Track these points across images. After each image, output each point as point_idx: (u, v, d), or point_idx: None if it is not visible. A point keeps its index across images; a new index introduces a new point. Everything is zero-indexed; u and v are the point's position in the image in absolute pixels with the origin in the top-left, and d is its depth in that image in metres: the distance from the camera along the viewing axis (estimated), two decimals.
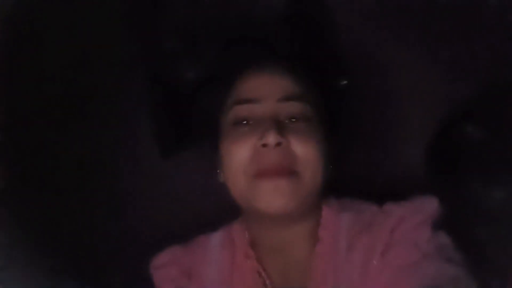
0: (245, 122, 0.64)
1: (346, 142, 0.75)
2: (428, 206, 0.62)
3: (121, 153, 0.91)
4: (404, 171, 0.86)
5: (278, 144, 0.61)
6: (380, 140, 0.88)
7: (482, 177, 0.83)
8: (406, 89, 0.89)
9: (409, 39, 0.90)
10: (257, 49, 0.72)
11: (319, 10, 0.88)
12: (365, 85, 0.87)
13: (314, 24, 0.85)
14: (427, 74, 0.89)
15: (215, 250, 0.72)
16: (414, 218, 0.61)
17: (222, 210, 0.75)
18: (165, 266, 0.72)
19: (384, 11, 0.89)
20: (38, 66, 0.80)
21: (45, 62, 0.81)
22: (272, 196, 0.61)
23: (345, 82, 0.91)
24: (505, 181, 0.81)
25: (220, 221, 0.77)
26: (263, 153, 0.61)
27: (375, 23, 0.90)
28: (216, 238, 0.74)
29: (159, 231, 0.88)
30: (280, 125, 0.62)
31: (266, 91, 0.64)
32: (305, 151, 0.62)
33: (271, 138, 0.60)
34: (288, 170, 0.61)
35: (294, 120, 0.64)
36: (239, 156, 0.63)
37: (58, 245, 0.81)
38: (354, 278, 0.61)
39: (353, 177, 0.82)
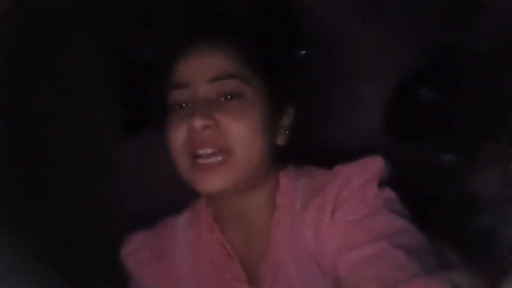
0: (184, 105, 0.65)
1: (302, 110, 0.74)
2: (374, 165, 0.64)
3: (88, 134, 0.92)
4: (361, 134, 0.89)
5: (207, 127, 0.62)
6: (337, 106, 0.90)
7: (434, 139, 0.87)
8: (361, 53, 0.91)
9: (364, 4, 0.92)
10: (185, 29, 0.71)
11: None
12: (320, 51, 0.89)
13: None
14: (382, 38, 0.91)
15: (182, 229, 0.74)
16: (360, 177, 0.63)
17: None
18: (137, 251, 0.74)
19: None
20: None
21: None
22: (206, 179, 0.63)
23: (304, 52, 0.93)
24: (455, 144, 0.85)
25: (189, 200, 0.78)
26: (194, 136, 0.63)
27: None
28: (182, 218, 0.76)
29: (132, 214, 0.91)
30: (210, 106, 0.63)
31: (195, 74, 0.64)
32: (236, 129, 0.63)
33: (197, 123, 0.61)
34: (219, 150, 0.63)
35: (228, 98, 0.64)
36: (176, 139, 0.64)
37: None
38: (309, 238, 0.63)
39: (312, 143, 0.84)
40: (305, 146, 0.79)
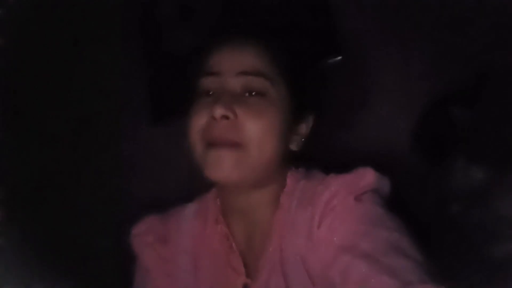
0: (211, 93, 0.67)
1: (323, 119, 0.74)
2: (364, 177, 0.65)
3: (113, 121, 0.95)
4: (384, 148, 0.87)
5: (225, 117, 0.64)
6: (359, 117, 0.90)
7: (465, 157, 0.84)
8: (392, 69, 0.90)
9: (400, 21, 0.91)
10: (228, 25, 0.73)
11: None
12: (347, 63, 0.89)
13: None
14: (415, 57, 0.89)
15: (189, 219, 0.76)
16: (348, 190, 0.64)
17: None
18: (143, 234, 0.76)
19: None
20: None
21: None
22: (216, 166, 0.64)
23: (333, 59, 0.92)
24: (485, 163, 0.82)
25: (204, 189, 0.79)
26: (213, 124, 0.64)
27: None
28: (190, 208, 0.78)
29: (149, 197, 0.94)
30: (233, 99, 0.65)
31: (226, 65, 0.67)
32: (253, 125, 0.64)
33: (217, 112, 0.63)
34: (232, 142, 0.64)
35: (252, 94, 0.66)
36: (196, 125, 0.66)
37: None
38: (301, 244, 0.65)
39: (329, 150, 0.85)
40: (321, 152, 0.79)
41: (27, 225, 0.79)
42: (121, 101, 0.97)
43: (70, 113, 0.90)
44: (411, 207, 0.79)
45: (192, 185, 0.78)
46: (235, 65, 0.66)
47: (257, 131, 0.64)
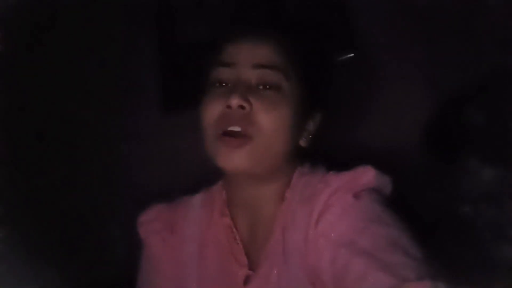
0: (224, 84, 0.68)
1: (333, 116, 0.75)
2: (364, 176, 0.65)
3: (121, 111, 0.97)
4: (396, 146, 0.87)
5: (241, 108, 0.65)
6: (368, 115, 0.90)
7: (476, 157, 0.83)
8: (402, 71, 0.89)
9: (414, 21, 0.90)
10: (245, 17, 0.74)
11: None
12: (359, 62, 0.89)
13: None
14: (426, 57, 0.89)
15: (196, 209, 0.77)
16: (347, 188, 0.64)
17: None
18: (151, 221, 0.77)
19: None
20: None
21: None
22: (227, 155, 0.65)
23: (351, 54, 0.92)
24: (497, 163, 0.81)
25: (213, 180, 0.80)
26: (227, 114, 0.65)
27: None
28: (197, 198, 0.78)
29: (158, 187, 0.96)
30: (248, 90, 0.66)
31: (243, 57, 0.67)
32: (266, 118, 0.65)
33: (234, 101, 0.64)
34: (243, 133, 0.65)
35: (267, 87, 0.66)
36: (210, 114, 0.67)
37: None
38: (299, 240, 0.65)
39: (342, 148, 0.85)
40: (330, 149, 0.79)
41: (32, 218, 0.81)
42: (131, 91, 0.98)
43: (81, 104, 0.92)
44: (420, 206, 0.79)
45: (199, 176, 0.80)
46: (251, 57, 0.67)
47: (270, 124, 0.65)
